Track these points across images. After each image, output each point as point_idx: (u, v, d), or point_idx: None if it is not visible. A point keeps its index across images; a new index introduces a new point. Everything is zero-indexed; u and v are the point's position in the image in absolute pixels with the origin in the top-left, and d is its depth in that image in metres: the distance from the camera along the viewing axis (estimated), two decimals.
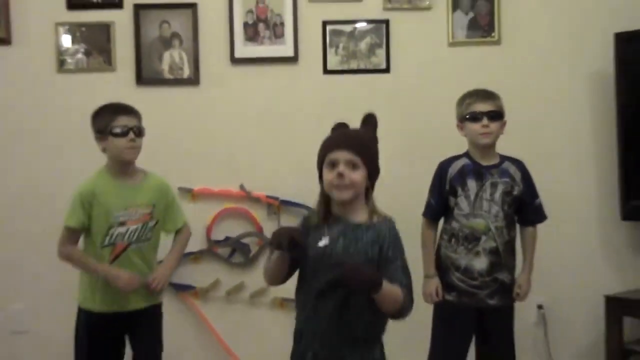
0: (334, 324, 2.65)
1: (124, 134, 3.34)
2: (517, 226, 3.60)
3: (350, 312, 2.63)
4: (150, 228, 3.47)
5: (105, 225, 3.37)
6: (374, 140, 2.77)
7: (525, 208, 3.56)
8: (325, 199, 2.71)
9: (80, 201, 3.37)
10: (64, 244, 3.41)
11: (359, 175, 2.61)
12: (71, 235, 3.39)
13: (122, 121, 3.36)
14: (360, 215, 2.69)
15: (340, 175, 2.58)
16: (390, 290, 2.53)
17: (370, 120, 2.78)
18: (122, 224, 3.38)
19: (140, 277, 3.42)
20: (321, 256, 2.64)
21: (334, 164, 2.62)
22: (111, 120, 3.35)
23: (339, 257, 2.59)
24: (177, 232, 3.67)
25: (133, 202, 3.42)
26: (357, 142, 2.67)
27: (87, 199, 3.36)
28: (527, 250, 3.61)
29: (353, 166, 2.60)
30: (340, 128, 2.79)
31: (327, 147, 2.68)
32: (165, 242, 3.71)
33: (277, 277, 2.75)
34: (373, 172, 2.70)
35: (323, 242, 2.64)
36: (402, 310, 2.63)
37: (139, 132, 3.41)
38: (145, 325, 3.52)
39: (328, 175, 2.63)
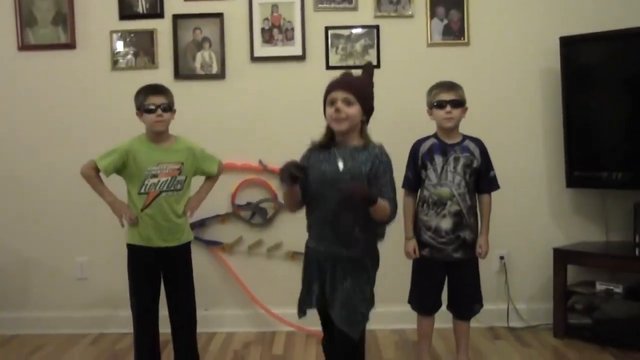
0: (335, 227, 2.96)
1: (153, 110, 3.71)
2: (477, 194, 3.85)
3: (347, 218, 2.94)
4: (179, 181, 3.79)
5: (140, 177, 3.72)
6: (369, 83, 3.06)
7: (482, 179, 3.81)
8: (329, 131, 3.03)
9: (116, 152, 3.72)
10: (87, 168, 3.75)
11: (353, 110, 2.92)
12: (94, 167, 3.72)
13: (152, 100, 3.71)
14: (356, 142, 3.00)
15: (338, 110, 2.91)
16: (381, 203, 2.87)
17: (367, 68, 3.11)
18: (154, 176, 3.73)
19: (132, 213, 3.75)
20: (323, 172, 2.97)
21: (333, 102, 2.94)
22: (144, 100, 3.73)
23: (339, 173, 2.93)
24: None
25: (164, 160, 3.76)
26: (352, 84, 2.98)
27: (121, 154, 3.71)
28: (484, 215, 3.85)
29: (348, 103, 2.92)
30: (344, 74, 3.09)
31: (329, 88, 3.00)
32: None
33: (293, 204, 3.09)
34: (367, 108, 3.00)
35: (340, 164, 2.96)
36: (388, 219, 2.98)
37: (167, 108, 3.74)
38: (176, 261, 3.86)
39: (329, 110, 2.96)
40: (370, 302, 3.05)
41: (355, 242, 2.99)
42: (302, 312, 3.15)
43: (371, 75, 3.10)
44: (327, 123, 3.03)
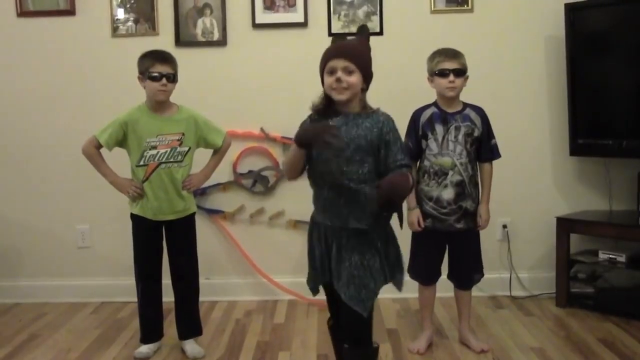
0: (345, 200, 2.83)
1: (157, 79, 3.63)
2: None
3: (352, 190, 2.81)
4: (179, 152, 3.74)
5: (139, 148, 3.69)
6: (367, 48, 2.91)
7: (483, 147, 3.78)
8: (327, 99, 2.89)
9: (114, 125, 3.69)
10: (88, 146, 3.73)
11: (354, 79, 2.79)
12: (96, 144, 3.70)
13: (158, 68, 3.63)
14: (357, 110, 2.88)
15: (339, 79, 2.78)
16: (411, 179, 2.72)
17: (363, 31, 2.95)
18: (153, 147, 3.68)
19: (134, 184, 3.74)
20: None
21: (332, 71, 2.80)
22: (150, 66, 3.63)
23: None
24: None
25: (164, 130, 3.70)
26: (351, 51, 2.84)
27: (121, 125, 3.68)
28: (485, 184, 3.83)
29: (349, 72, 2.78)
30: (338, 40, 2.97)
31: (327, 56, 2.85)
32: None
33: (296, 170, 2.93)
34: (367, 75, 2.85)
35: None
36: (410, 190, 2.81)
37: (171, 79, 3.67)
38: (179, 232, 3.85)
39: (328, 79, 2.81)
40: (379, 277, 2.88)
41: (361, 214, 2.84)
42: (315, 290, 3.07)
43: (368, 39, 2.95)
44: (326, 92, 2.89)
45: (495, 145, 3.87)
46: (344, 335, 2.93)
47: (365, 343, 2.91)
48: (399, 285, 2.99)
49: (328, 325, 3.19)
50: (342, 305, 2.85)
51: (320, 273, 2.97)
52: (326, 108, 2.92)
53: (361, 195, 2.82)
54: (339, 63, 2.81)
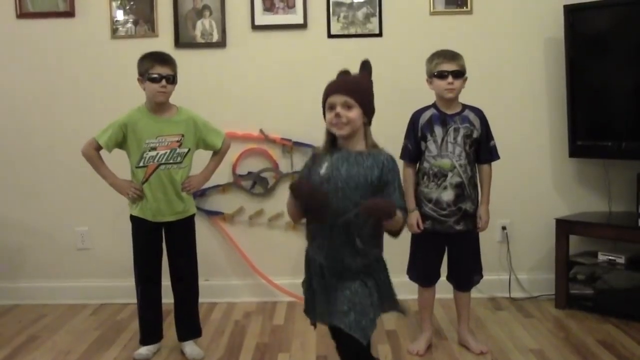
0: (340, 241, 2.79)
1: (157, 80, 3.62)
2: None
3: (353, 231, 2.77)
4: (179, 154, 3.73)
5: (139, 149, 3.68)
6: (368, 83, 2.90)
7: (482, 149, 3.78)
8: (330, 134, 2.87)
9: (113, 126, 3.69)
10: (88, 148, 3.72)
11: (353, 114, 2.76)
12: (96, 146, 3.69)
13: (158, 70, 3.62)
14: (360, 146, 2.84)
15: (338, 115, 2.76)
16: (397, 216, 2.69)
17: (365, 67, 2.93)
18: (153, 149, 3.68)
19: (134, 186, 3.73)
20: (326, 180, 2.77)
21: (332, 107, 2.79)
22: (150, 68, 3.63)
23: (342, 180, 2.75)
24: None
25: (163, 132, 3.70)
26: (351, 87, 2.82)
27: (120, 127, 3.68)
28: (484, 185, 3.82)
29: (348, 107, 2.76)
30: (342, 75, 2.91)
31: (327, 92, 2.84)
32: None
33: (298, 216, 2.90)
34: (368, 110, 2.84)
35: (323, 169, 2.81)
36: (400, 229, 2.81)
37: (171, 80, 3.67)
38: (178, 234, 3.84)
39: (328, 115, 2.81)
40: (377, 308, 2.87)
41: (359, 251, 2.82)
42: (313, 322, 3.08)
43: (369, 73, 2.95)
44: (327, 128, 2.88)
45: (494, 147, 3.87)
46: None
47: None
48: (404, 312, 3.07)
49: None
50: (341, 334, 2.78)
51: (317, 312, 2.97)
52: (330, 144, 2.90)
53: (358, 233, 2.79)
54: (338, 99, 2.80)
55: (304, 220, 2.95)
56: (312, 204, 2.73)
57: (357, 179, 2.77)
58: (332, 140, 2.90)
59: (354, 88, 2.85)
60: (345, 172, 2.78)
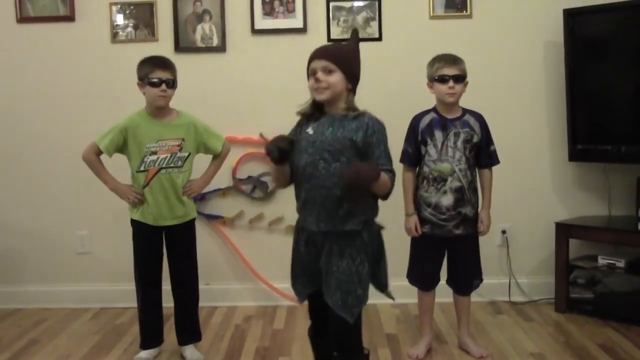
0: (328, 202, 2.80)
1: (157, 84, 3.63)
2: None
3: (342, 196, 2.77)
4: (179, 158, 3.74)
5: (139, 154, 3.69)
6: (353, 50, 2.92)
7: (482, 153, 3.78)
8: (313, 101, 2.91)
9: (113, 130, 3.70)
10: (88, 152, 3.74)
11: (334, 78, 2.79)
12: (96, 150, 3.71)
13: (158, 74, 3.63)
14: (344, 111, 2.86)
15: (317, 79, 2.80)
16: (382, 178, 2.70)
17: (353, 35, 3.02)
18: (153, 153, 3.69)
19: (135, 191, 3.74)
20: (312, 143, 2.82)
21: (313, 72, 2.83)
22: (150, 72, 3.63)
23: (328, 143, 2.78)
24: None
25: (164, 136, 3.70)
26: (332, 52, 2.89)
27: (121, 131, 3.69)
28: (485, 189, 3.83)
29: (328, 71, 2.79)
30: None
31: (310, 58, 2.89)
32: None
33: (283, 181, 2.96)
34: (350, 75, 2.85)
35: (310, 131, 2.85)
36: (388, 192, 2.81)
37: (171, 84, 3.67)
38: (179, 238, 3.84)
39: (310, 81, 2.85)
40: (367, 283, 2.89)
41: (350, 215, 2.81)
42: (302, 297, 3.06)
43: (357, 42, 2.97)
44: (310, 94, 2.91)
45: (494, 152, 3.87)
46: (333, 343, 2.91)
47: (354, 350, 2.91)
48: (390, 295, 3.03)
49: (309, 334, 3.18)
50: (330, 312, 2.82)
51: (307, 280, 2.97)
52: (312, 110, 2.93)
53: (348, 196, 2.79)
54: (318, 64, 2.84)
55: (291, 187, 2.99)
56: (281, 147, 2.76)
57: (343, 142, 2.79)
58: (319, 106, 2.91)
59: (335, 52, 2.89)
60: (331, 135, 2.81)
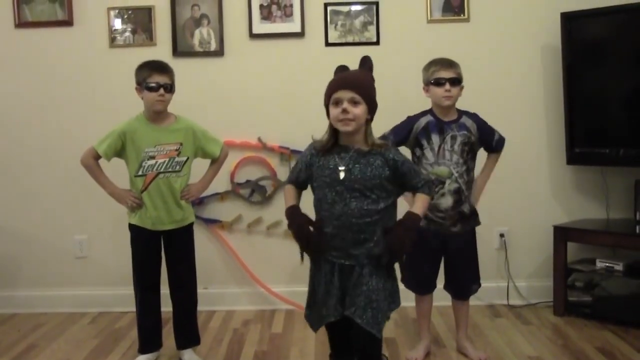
0: (351, 230, 2.87)
1: (155, 89, 3.62)
2: (476, 165, 3.80)
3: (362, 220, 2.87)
4: (178, 162, 3.73)
5: (138, 158, 3.68)
6: (371, 79, 2.94)
7: (489, 144, 3.82)
8: (333, 131, 2.91)
9: (112, 135, 3.69)
10: (87, 157, 3.72)
11: (359, 110, 2.81)
12: (95, 155, 3.69)
13: (156, 78, 3.62)
14: (362, 144, 2.90)
15: (345, 111, 2.80)
16: (424, 206, 2.96)
17: (366, 62, 2.98)
18: (151, 157, 3.68)
19: (133, 195, 3.73)
20: (338, 180, 2.87)
21: (338, 102, 2.82)
22: (147, 76, 3.63)
23: (358, 182, 2.85)
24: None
25: (162, 140, 3.70)
26: (357, 83, 2.85)
27: (119, 136, 3.68)
28: (489, 163, 3.88)
29: (354, 103, 2.80)
30: (341, 70, 2.96)
31: (333, 87, 2.86)
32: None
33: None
34: (371, 106, 2.88)
35: (337, 171, 2.88)
36: (432, 199, 3.04)
37: (169, 89, 3.66)
38: (177, 242, 3.84)
39: (334, 111, 2.83)
40: (392, 300, 3.00)
41: (378, 243, 2.91)
42: (317, 325, 3.10)
43: (370, 70, 2.98)
44: (332, 124, 2.92)
45: (500, 137, 3.89)
46: (357, 354, 2.99)
47: (377, 358, 3.01)
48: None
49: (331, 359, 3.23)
50: (356, 327, 2.87)
51: (327, 310, 2.97)
52: (332, 143, 2.96)
53: (377, 229, 2.90)
54: (345, 94, 2.82)
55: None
56: (300, 238, 2.94)
57: (372, 180, 2.86)
58: (335, 136, 2.94)
59: (360, 84, 2.87)
60: (360, 174, 2.86)
